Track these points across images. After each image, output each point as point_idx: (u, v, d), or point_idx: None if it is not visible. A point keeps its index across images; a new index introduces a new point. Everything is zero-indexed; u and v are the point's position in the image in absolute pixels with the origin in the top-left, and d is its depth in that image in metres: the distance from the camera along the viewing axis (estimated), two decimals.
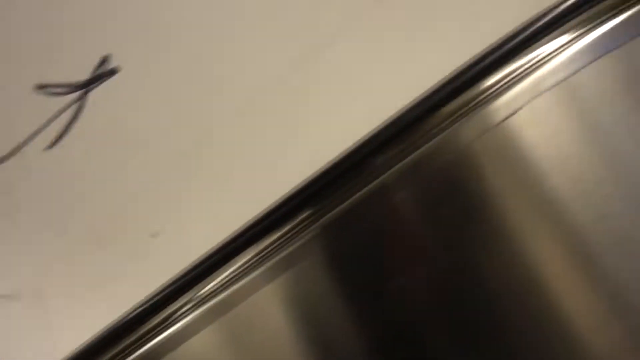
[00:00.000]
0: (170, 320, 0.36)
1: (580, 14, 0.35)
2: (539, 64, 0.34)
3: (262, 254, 0.35)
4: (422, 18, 0.36)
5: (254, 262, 0.35)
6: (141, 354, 0.37)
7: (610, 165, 0.34)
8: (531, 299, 0.34)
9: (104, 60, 0.39)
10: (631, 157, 0.34)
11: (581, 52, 0.34)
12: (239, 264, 0.35)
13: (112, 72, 0.39)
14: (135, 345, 0.38)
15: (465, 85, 0.35)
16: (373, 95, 0.36)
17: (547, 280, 0.34)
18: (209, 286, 0.36)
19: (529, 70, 0.34)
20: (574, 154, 0.34)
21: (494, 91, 0.34)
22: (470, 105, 0.34)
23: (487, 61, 0.35)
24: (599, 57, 0.34)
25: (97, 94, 0.39)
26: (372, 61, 0.36)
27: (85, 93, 0.39)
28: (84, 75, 0.39)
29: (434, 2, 0.36)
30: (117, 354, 0.38)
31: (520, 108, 0.34)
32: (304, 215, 0.34)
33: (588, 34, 0.34)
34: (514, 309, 0.34)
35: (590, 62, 0.34)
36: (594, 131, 0.34)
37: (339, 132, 0.35)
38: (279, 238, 0.35)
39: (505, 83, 0.34)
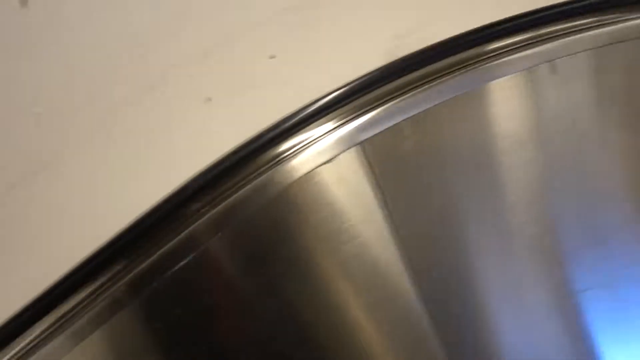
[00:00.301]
0: None
1: (342, 106, 0.42)
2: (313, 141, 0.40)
3: (67, 316, 0.32)
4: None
5: (57, 326, 0.32)
6: None
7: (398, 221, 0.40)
8: (344, 339, 0.36)
9: None
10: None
11: (348, 134, 0.41)
12: (39, 330, 0.32)
13: None
14: None
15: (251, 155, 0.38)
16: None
17: (351, 321, 0.37)
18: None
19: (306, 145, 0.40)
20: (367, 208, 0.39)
21: (283, 158, 0.39)
22: (266, 166, 0.38)
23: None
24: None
25: None
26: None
27: None
28: None
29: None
30: None
31: (309, 172, 0.38)
32: (114, 270, 0.33)
33: (349, 123, 0.41)
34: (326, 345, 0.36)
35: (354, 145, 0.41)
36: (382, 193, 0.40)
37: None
38: (87, 296, 0.33)
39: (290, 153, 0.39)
